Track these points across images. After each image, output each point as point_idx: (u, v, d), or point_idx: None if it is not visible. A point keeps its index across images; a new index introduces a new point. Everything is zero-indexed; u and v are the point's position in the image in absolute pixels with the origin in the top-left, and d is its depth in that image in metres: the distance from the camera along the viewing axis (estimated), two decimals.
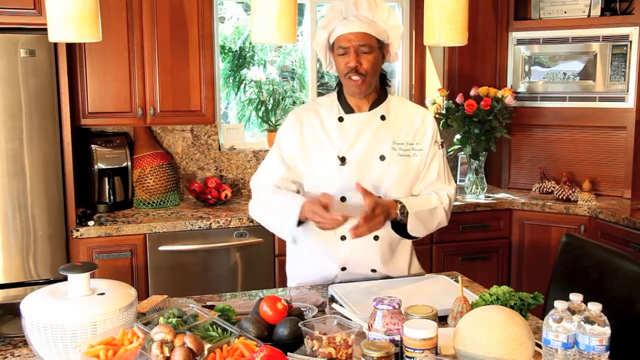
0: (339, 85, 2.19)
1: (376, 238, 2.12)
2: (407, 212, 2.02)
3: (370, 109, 2.14)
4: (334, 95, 2.20)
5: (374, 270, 2.18)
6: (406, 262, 2.23)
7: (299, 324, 1.52)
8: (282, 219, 2.06)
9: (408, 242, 2.22)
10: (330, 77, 4.83)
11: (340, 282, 2.14)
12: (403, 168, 2.12)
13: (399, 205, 2.02)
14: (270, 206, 2.13)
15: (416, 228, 2.07)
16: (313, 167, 2.13)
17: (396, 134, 2.13)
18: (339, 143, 2.10)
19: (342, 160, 2.09)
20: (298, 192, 2.17)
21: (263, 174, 2.20)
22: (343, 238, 2.11)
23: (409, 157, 2.13)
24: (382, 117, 2.14)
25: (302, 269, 2.25)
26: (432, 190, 2.17)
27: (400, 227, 2.08)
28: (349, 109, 2.15)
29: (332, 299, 1.97)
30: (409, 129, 2.15)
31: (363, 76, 2.04)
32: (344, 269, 2.16)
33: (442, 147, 2.22)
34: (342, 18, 2.05)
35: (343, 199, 2.09)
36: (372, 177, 2.10)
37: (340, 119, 2.14)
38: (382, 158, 2.10)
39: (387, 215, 1.99)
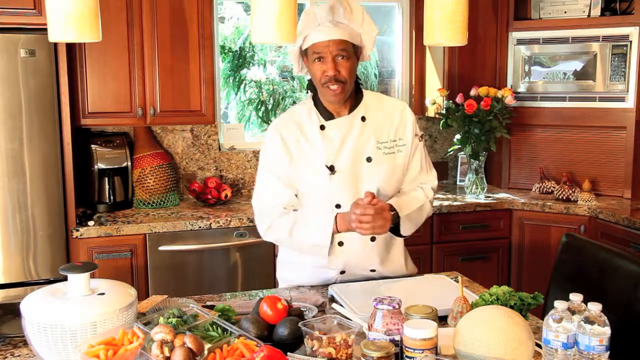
0: (314, 90, 2.14)
1: (373, 239, 2.13)
2: (400, 217, 2.04)
3: (350, 111, 2.12)
4: (309, 102, 2.16)
5: (373, 270, 2.18)
6: (402, 260, 2.24)
7: (299, 324, 1.52)
8: (314, 235, 2.05)
9: (400, 241, 2.23)
10: None
11: (341, 282, 2.14)
12: (390, 166, 2.12)
13: (392, 213, 2.02)
14: (294, 226, 2.08)
15: (407, 229, 2.11)
16: (303, 178, 2.10)
17: (378, 134, 2.12)
18: (324, 152, 2.08)
19: (331, 169, 2.07)
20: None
21: (265, 195, 2.14)
22: (340, 244, 2.11)
23: (393, 154, 2.13)
24: (363, 119, 2.12)
25: (295, 273, 2.23)
26: (417, 184, 2.18)
27: (391, 228, 2.09)
28: (328, 115, 2.12)
29: (332, 299, 1.97)
30: (390, 127, 2.14)
31: (342, 83, 2.01)
32: (342, 272, 2.16)
33: (422, 138, 2.22)
34: (317, 24, 2.00)
35: (338, 206, 2.09)
36: (363, 181, 2.10)
37: (322, 127, 2.10)
38: (369, 160, 2.10)
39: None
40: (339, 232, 2.04)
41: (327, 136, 2.09)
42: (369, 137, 2.11)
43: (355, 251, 2.12)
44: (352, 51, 2.04)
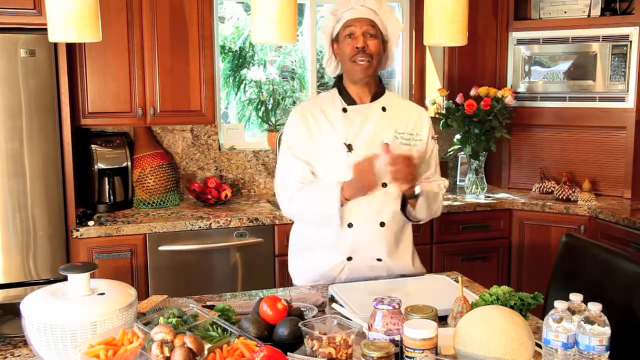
0: (339, 81, 2.27)
1: (382, 224, 2.17)
2: (420, 190, 2.11)
3: (372, 100, 2.22)
4: (334, 91, 2.27)
5: (379, 260, 2.20)
6: (409, 256, 2.28)
7: (299, 324, 1.52)
8: (324, 203, 2.11)
9: (410, 238, 2.29)
10: (330, 76, 4.84)
11: (344, 282, 2.15)
12: None
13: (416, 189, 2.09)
14: (307, 197, 2.16)
15: (421, 208, 2.15)
16: (322, 156, 2.18)
17: (397, 124, 2.21)
18: (344, 131, 2.17)
19: (349, 147, 2.15)
20: None
21: (285, 174, 2.23)
22: (350, 225, 2.16)
23: (409, 146, 2.20)
24: (383, 109, 2.22)
25: (307, 263, 2.28)
26: (430, 181, 2.27)
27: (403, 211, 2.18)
28: (351, 101, 2.22)
29: (332, 299, 1.97)
30: (408, 121, 2.24)
31: (369, 58, 2.13)
32: (349, 258, 2.19)
33: (436, 142, 2.33)
34: (350, 7, 2.15)
35: None
36: (377, 164, 2.12)
37: (344, 110, 2.21)
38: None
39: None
40: (346, 199, 2.08)
41: (348, 117, 2.20)
42: (389, 126, 2.20)
43: (364, 234, 2.17)
44: (379, 34, 2.16)
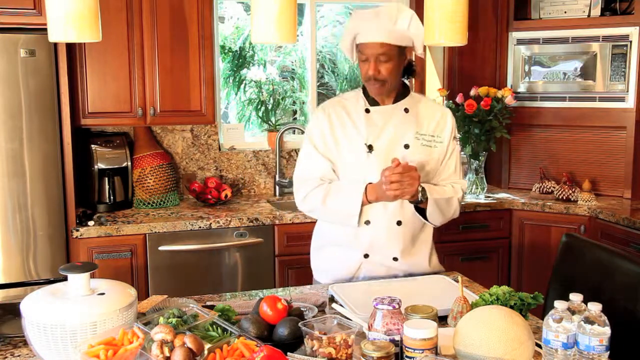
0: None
1: (399, 223, 2.20)
2: (427, 197, 2.13)
3: (394, 102, 2.24)
4: (359, 90, 2.30)
5: (395, 259, 2.22)
6: (426, 256, 2.31)
7: (299, 324, 1.52)
8: (346, 201, 2.15)
9: (429, 236, 2.33)
10: (330, 76, 4.83)
11: (361, 281, 2.16)
12: (425, 157, 2.23)
13: (421, 188, 2.11)
14: (329, 194, 2.18)
15: (433, 214, 2.18)
16: (342, 155, 2.22)
17: (419, 125, 2.24)
18: (366, 132, 2.20)
19: (370, 148, 2.18)
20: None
21: (305, 169, 2.27)
22: (367, 222, 2.19)
23: (430, 147, 2.24)
24: (406, 110, 2.24)
25: (325, 260, 2.32)
26: (447, 183, 2.28)
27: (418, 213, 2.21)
28: (374, 102, 2.25)
29: (332, 299, 1.97)
30: (430, 122, 2.26)
31: (382, 83, 2.15)
32: (366, 256, 2.21)
33: (459, 143, 2.34)
34: (365, 25, 2.12)
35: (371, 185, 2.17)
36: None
37: (367, 111, 2.23)
38: (407, 147, 2.20)
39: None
40: (368, 201, 2.14)
41: (371, 118, 2.23)
42: (410, 127, 2.22)
43: (381, 232, 2.20)
44: (394, 53, 2.13)
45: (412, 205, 2.20)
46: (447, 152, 2.27)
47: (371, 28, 2.09)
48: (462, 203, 3.55)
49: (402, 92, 2.26)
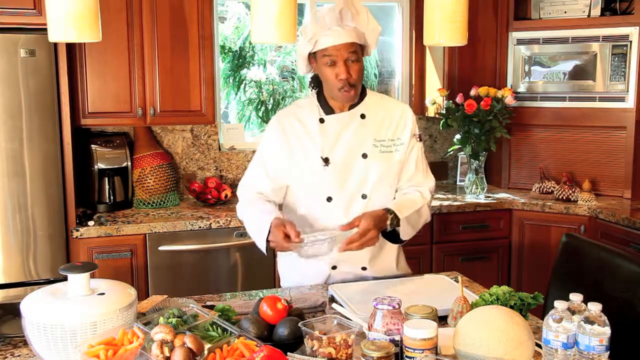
0: (319, 86, 2.18)
1: None
2: (398, 219, 2.04)
3: (350, 108, 2.15)
4: (313, 97, 2.20)
5: (364, 268, 2.19)
6: (394, 260, 2.24)
7: (299, 324, 1.52)
8: (256, 232, 2.09)
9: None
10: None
11: (336, 283, 2.14)
12: (385, 164, 2.14)
13: (390, 216, 2.03)
14: (248, 218, 2.18)
15: (407, 232, 2.10)
16: (298, 169, 2.14)
17: (376, 132, 2.15)
18: (321, 144, 2.12)
19: (326, 161, 2.11)
20: (279, 204, 2.22)
21: (248, 182, 2.24)
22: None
23: (390, 152, 2.15)
24: (362, 116, 2.15)
25: (293, 270, 2.26)
26: (413, 187, 2.20)
27: (390, 233, 2.10)
28: (329, 110, 2.16)
29: (332, 299, 1.97)
30: (389, 126, 2.17)
31: (354, 86, 2.06)
32: (334, 267, 2.18)
33: (420, 140, 2.23)
34: (327, 29, 2.02)
35: (329, 199, 2.12)
36: (356, 176, 2.13)
37: (322, 120, 2.15)
38: (365, 156, 2.13)
39: (380, 228, 2.00)
40: (268, 243, 2.01)
41: (325, 129, 2.14)
42: (367, 135, 2.14)
43: None
44: (360, 52, 2.08)
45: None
46: (407, 151, 2.17)
47: (337, 30, 2.01)
48: (460, 209, 3.58)
49: (359, 97, 2.15)
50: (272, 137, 2.18)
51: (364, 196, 2.13)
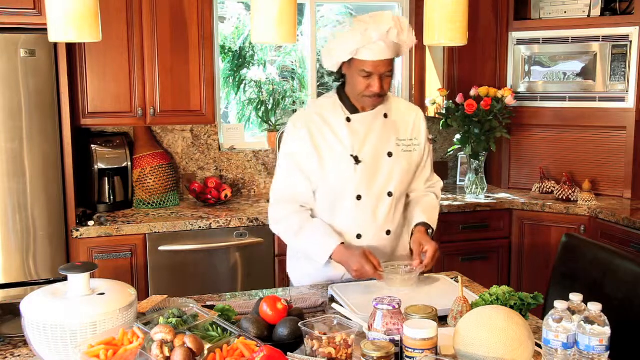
0: (342, 85, 2.21)
1: (388, 233, 2.20)
2: (433, 230, 2.21)
3: (373, 108, 2.19)
4: (334, 96, 2.21)
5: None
6: (407, 248, 2.29)
7: (299, 324, 1.52)
8: (314, 250, 2.12)
9: (405, 234, 2.30)
10: (330, 76, 4.82)
11: (342, 283, 2.15)
12: (407, 163, 2.21)
13: (430, 230, 2.18)
14: (302, 235, 2.16)
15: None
16: (328, 170, 2.15)
17: (398, 131, 2.21)
18: (349, 143, 2.14)
19: (356, 159, 2.14)
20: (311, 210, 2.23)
21: (287, 192, 2.19)
22: (359, 237, 2.18)
23: (410, 152, 2.22)
24: (385, 115, 2.20)
25: (306, 270, 2.26)
26: (429, 188, 2.33)
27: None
28: (353, 109, 2.18)
29: (332, 299, 1.97)
30: (407, 126, 2.24)
31: (382, 97, 2.13)
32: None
33: (431, 142, 2.35)
34: (371, 42, 2.02)
35: (359, 197, 2.15)
36: (383, 174, 2.17)
37: (348, 120, 2.17)
38: (390, 155, 2.18)
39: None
40: (331, 259, 2.10)
41: (353, 128, 2.16)
42: (391, 133, 2.19)
43: (371, 244, 2.18)
44: (394, 65, 2.13)
45: (399, 214, 2.23)
46: (424, 155, 2.28)
47: (381, 46, 2.02)
48: (460, 209, 3.60)
49: None
50: (301, 139, 2.16)
51: (389, 194, 2.18)
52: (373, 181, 2.15)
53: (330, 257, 2.10)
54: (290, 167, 2.17)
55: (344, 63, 2.12)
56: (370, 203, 2.16)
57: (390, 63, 2.08)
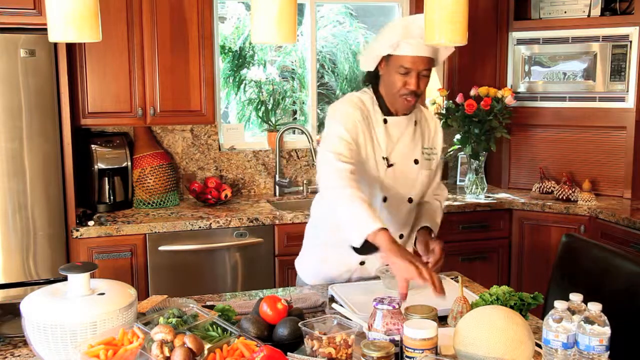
0: (375, 84, 2.16)
1: (401, 237, 2.21)
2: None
3: (406, 112, 2.17)
4: (371, 94, 2.16)
5: (387, 264, 2.19)
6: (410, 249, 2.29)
7: (299, 324, 1.52)
8: (353, 228, 1.89)
9: (412, 232, 2.30)
10: (330, 76, 4.82)
11: (342, 283, 2.15)
12: (428, 172, 2.23)
13: (432, 235, 2.18)
14: (346, 210, 1.92)
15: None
16: (361, 162, 2.09)
17: (424, 139, 2.22)
18: (384, 144, 2.14)
19: (388, 161, 2.13)
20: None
21: (336, 149, 1.99)
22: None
23: (429, 161, 2.23)
24: (415, 123, 2.20)
25: (316, 262, 2.27)
26: (436, 196, 2.32)
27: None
28: (388, 112, 2.16)
29: (332, 299, 1.97)
30: (429, 135, 2.25)
31: (418, 97, 2.10)
32: (362, 263, 2.19)
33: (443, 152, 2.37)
34: (412, 37, 2.03)
35: (385, 199, 2.14)
36: (408, 180, 2.18)
37: (385, 121, 2.15)
38: (416, 162, 2.18)
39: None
40: (374, 245, 1.85)
41: (388, 130, 2.15)
42: (418, 141, 2.20)
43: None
44: (431, 68, 2.12)
45: (412, 220, 2.24)
46: (438, 162, 2.29)
47: (421, 42, 1.99)
48: (460, 209, 3.60)
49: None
50: (351, 116, 2.07)
51: (410, 200, 2.19)
52: (398, 186, 2.15)
53: (369, 243, 1.85)
54: (340, 131, 2.03)
55: (381, 62, 2.10)
56: (393, 206, 2.16)
57: (429, 62, 2.07)
